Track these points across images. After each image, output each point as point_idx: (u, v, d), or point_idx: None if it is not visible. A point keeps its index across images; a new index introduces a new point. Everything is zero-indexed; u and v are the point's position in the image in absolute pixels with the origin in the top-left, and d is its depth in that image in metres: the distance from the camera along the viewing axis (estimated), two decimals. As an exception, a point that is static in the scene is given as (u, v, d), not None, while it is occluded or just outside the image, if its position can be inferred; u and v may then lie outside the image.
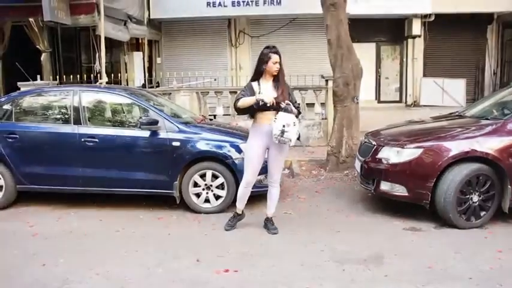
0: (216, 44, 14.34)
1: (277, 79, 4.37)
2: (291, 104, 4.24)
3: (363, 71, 7.33)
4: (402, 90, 14.98)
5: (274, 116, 4.29)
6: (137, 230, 5.03)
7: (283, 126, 4.11)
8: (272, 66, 4.36)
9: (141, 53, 12.81)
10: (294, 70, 10.56)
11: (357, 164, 5.75)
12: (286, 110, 4.19)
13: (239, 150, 5.44)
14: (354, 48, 7.34)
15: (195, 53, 14.23)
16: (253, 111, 4.37)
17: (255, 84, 4.39)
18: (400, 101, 14.91)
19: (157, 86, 12.56)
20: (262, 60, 4.38)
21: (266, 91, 4.37)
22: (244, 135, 5.41)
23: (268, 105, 4.18)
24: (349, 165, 7.15)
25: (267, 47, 4.40)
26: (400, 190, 5.06)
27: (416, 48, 14.47)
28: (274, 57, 4.36)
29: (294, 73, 9.68)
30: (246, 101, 4.26)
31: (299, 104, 4.53)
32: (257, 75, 4.44)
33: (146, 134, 5.49)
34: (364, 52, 12.71)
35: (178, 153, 5.43)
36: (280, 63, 4.40)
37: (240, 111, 4.39)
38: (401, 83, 14.95)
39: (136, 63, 12.45)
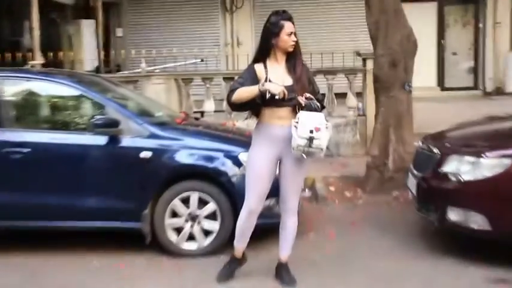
0: (203, 8, 14.62)
1: (293, 59, 4.47)
2: (313, 98, 4.32)
3: (418, 44, 7.47)
4: (478, 72, 14.85)
5: (289, 113, 4.37)
6: (86, 287, 5.01)
7: (311, 131, 4.16)
8: (286, 40, 4.41)
9: (94, 21, 12.88)
10: (316, 46, 10.92)
11: (411, 182, 5.84)
12: (309, 108, 4.26)
13: (238, 163, 5.56)
14: (405, 11, 7.46)
15: (172, 21, 14.71)
16: (256, 107, 4.44)
17: (259, 67, 4.44)
18: (475, 88, 14.84)
19: (117, 71, 12.99)
20: (270, 31, 4.44)
21: (276, 77, 4.40)
22: (245, 142, 5.44)
23: (277, 98, 4.25)
24: (399, 184, 7.19)
25: (276, 13, 4.47)
26: (477, 221, 5.08)
27: (501, 9, 14.29)
28: (288, 26, 4.43)
29: (316, 50, 10.11)
30: (244, 93, 4.32)
31: (323, 95, 4.62)
32: (262, 53, 4.50)
33: (102, 140, 5.59)
34: (421, 16, 12.67)
35: (150, 169, 5.55)
36: (295, 36, 4.45)
37: (237, 107, 4.47)
38: (477, 60, 14.83)
39: (85, 36, 12.98)
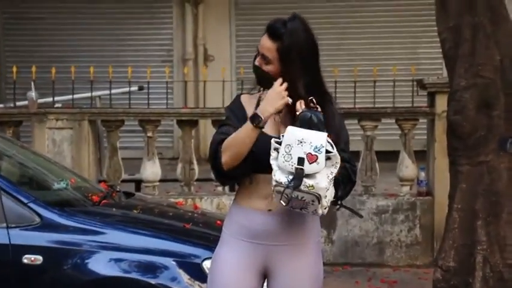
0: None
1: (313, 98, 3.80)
2: (318, 107, 3.69)
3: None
4: None
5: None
6: None
7: (300, 161, 3.58)
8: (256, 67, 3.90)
9: None
10: (345, 69, 9.88)
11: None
12: (305, 120, 3.67)
13: (199, 276, 4.97)
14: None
15: (87, 19, 13.27)
16: (243, 171, 3.81)
17: (249, 99, 3.95)
18: None
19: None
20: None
21: (272, 124, 3.79)
22: (213, 239, 4.77)
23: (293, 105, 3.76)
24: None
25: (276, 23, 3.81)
26: None
27: None
28: (262, 43, 3.85)
29: (345, 77, 9.10)
30: (238, 138, 3.77)
31: (349, 156, 3.87)
32: (261, 82, 3.93)
33: None
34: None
35: (40, 285, 5.04)
36: (312, 57, 3.79)
37: (230, 176, 3.84)
38: None
39: None
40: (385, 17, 13.21)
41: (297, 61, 3.73)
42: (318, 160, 3.61)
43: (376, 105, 8.82)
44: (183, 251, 5.12)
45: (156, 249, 5.09)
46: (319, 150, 3.62)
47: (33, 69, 9.23)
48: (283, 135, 3.67)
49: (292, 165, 3.62)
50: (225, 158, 3.76)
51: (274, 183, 3.65)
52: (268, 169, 3.70)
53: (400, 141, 8.45)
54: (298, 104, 3.75)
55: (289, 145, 3.65)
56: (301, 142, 3.65)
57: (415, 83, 8.85)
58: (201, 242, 5.16)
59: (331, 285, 6.82)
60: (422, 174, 8.41)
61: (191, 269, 5.04)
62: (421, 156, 8.60)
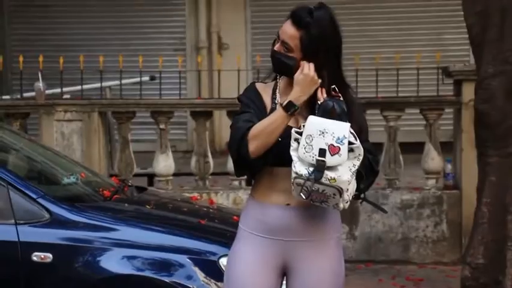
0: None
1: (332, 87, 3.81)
2: (340, 96, 3.69)
3: None
4: None
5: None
6: None
7: (322, 152, 3.58)
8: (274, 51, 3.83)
9: None
10: (366, 56, 9.82)
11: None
12: (327, 110, 3.66)
13: (217, 275, 4.84)
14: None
15: (96, 7, 13.20)
16: (265, 162, 3.77)
17: (264, 87, 3.91)
18: None
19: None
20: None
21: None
22: (230, 235, 4.55)
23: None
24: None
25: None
26: None
27: None
28: (283, 29, 3.83)
29: (367, 64, 9.11)
30: (269, 127, 3.72)
31: (371, 146, 3.82)
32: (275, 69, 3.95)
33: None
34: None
35: (50, 283, 4.98)
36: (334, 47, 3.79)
37: (254, 162, 3.75)
38: None
39: None
40: (408, 1, 13.09)
41: (321, 52, 3.66)
42: (340, 152, 3.57)
43: (400, 95, 8.71)
44: (199, 248, 5.06)
45: (170, 246, 5.04)
46: (341, 141, 3.57)
47: (41, 58, 9.11)
48: (303, 125, 3.62)
49: (313, 157, 3.57)
50: (253, 146, 3.70)
51: (294, 175, 3.60)
52: (287, 162, 3.64)
53: (425, 132, 8.33)
54: (319, 92, 3.70)
55: (311, 135, 3.60)
56: (323, 132, 3.60)
57: (440, 70, 8.68)
58: (217, 239, 5.08)
59: (353, 283, 6.76)
60: (449, 167, 8.30)
61: (207, 266, 4.98)
62: (448, 148, 8.50)
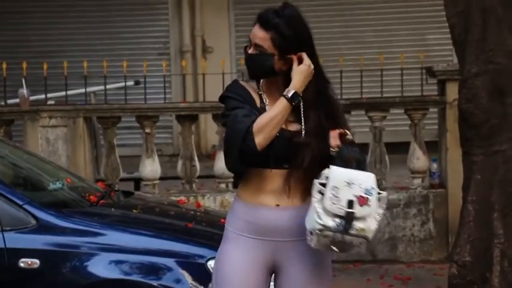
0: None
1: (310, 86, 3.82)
2: (353, 139, 3.73)
3: None
4: None
5: (296, 181, 3.73)
6: None
7: (350, 204, 3.55)
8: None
9: None
10: (351, 58, 9.76)
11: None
12: (347, 159, 3.65)
13: (203, 277, 4.88)
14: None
15: (79, 12, 13.20)
16: (247, 167, 3.77)
17: (247, 85, 3.89)
18: None
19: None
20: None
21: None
22: (217, 238, 4.51)
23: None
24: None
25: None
26: None
27: None
28: (253, 33, 3.86)
29: (351, 66, 9.05)
30: (275, 118, 3.69)
31: (360, 152, 3.82)
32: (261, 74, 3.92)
33: None
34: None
35: None
36: (310, 50, 3.77)
37: (254, 160, 3.70)
38: None
39: None
40: (391, 2, 13.22)
41: (294, 49, 3.68)
42: (369, 202, 3.61)
43: (384, 95, 8.71)
44: (186, 251, 5.05)
45: (157, 250, 5.02)
46: (370, 192, 3.61)
47: (24, 65, 9.13)
48: (326, 177, 3.63)
49: (341, 208, 3.58)
50: (260, 139, 3.68)
51: (319, 226, 3.61)
52: (275, 163, 3.67)
53: (410, 132, 8.34)
54: (331, 138, 3.75)
55: (336, 187, 3.60)
56: (349, 184, 3.61)
57: (424, 70, 8.68)
58: (204, 242, 5.07)
59: (342, 283, 6.72)
60: (435, 166, 8.31)
61: (195, 269, 4.97)
62: (433, 147, 8.48)
